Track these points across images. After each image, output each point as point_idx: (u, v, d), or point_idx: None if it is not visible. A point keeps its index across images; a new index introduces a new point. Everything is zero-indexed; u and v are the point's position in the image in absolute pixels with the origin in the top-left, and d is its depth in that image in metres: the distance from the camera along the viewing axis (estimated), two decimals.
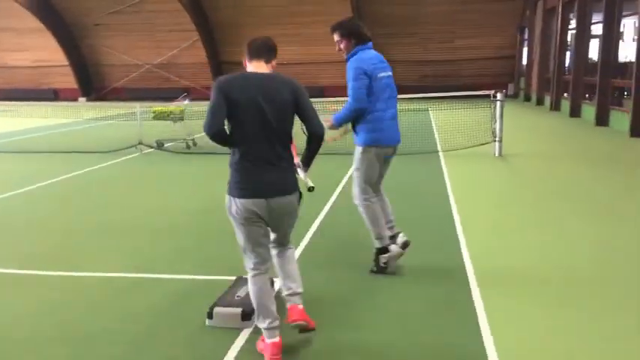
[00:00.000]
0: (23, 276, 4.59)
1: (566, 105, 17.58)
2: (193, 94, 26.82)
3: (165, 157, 10.77)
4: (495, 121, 9.86)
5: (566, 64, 18.68)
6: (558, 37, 18.39)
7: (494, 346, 3.25)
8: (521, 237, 5.39)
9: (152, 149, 11.37)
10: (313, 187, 3.39)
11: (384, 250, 4.36)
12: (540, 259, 4.77)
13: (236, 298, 3.75)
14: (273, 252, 3.40)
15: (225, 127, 3.09)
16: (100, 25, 28.10)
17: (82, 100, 28.86)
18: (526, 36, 24.68)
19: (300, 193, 3.25)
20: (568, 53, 18.62)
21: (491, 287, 4.11)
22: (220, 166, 9.98)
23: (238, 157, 3.07)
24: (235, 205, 3.07)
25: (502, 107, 9.86)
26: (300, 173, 3.35)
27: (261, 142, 3.04)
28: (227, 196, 3.11)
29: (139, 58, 29.23)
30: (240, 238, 3.18)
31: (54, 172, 9.03)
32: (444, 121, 14.22)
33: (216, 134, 3.02)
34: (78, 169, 9.40)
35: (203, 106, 15.87)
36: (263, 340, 3.20)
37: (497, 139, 9.85)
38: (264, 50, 3.17)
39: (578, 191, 7.31)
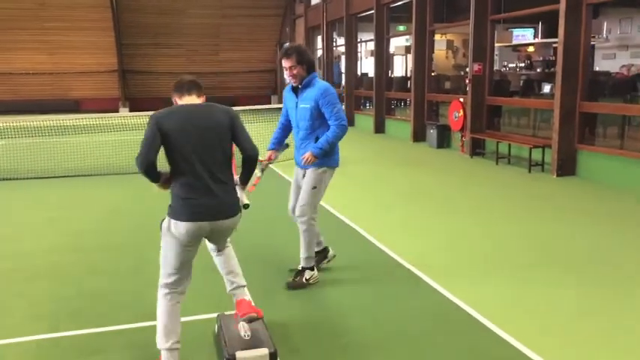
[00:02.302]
0: None
1: None
2: None
3: None
4: None
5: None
6: (324, 54, 20.05)
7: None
8: (415, 230, 5.87)
9: None
10: (248, 205, 3.47)
11: (311, 268, 4.54)
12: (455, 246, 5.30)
13: (246, 338, 3.34)
14: (212, 254, 3.52)
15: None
16: None
17: None
18: None
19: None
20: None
21: (436, 274, 4.44)
22: (27, 193, 8.48)
23: (181, 181, 3.11)
24: (177, 228, 3.08)
25: None
26: (238, 191, 3.40)
27: (202, 168, 3.10)
28: (167, 219, 3.13)
29: None
30: (167, 255, 3.17)
31: None
32: None
33: (149, 167, 3.03)
34: None
35: None
36: None
37: None
38: (194, 86, 3.29)
39: (424, 190, 8.18)
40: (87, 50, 24.21)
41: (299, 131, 4.40)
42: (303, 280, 4.47)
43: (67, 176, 9.55)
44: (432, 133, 12.70)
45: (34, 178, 9.44)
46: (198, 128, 3.10)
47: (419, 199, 7.65)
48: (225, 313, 3.67)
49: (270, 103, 25.21)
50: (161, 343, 3.14)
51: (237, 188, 3.40)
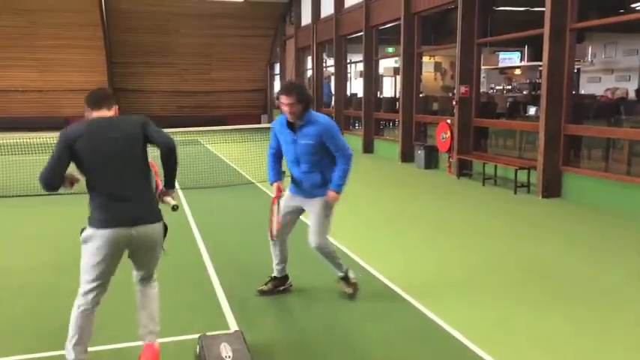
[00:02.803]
0: None
1: None
2: None
3: None
4: None
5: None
6: (314, 75, 20.21)
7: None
8: (400, 250, 5.89)
9: None
10: (177, 206, 3.43)
11: (347, 270, 4.68)
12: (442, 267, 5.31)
13: (227, 359, 3.33)
14: (137, 287, 3.45)
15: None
16: None
17: None
18: (277, 71, 26.43)
19: (166, 227, 3.36)
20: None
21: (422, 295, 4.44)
22: (10, 211, 8.34)
23: (96, 194, 3.15)
24: (96, 236, 3.10)
25: None
26: (166, 198, 3.42)
27: (116, 179, 3.14)
28: (88, 228, 3.14)
29: None
30: (86, 263, 3.16)
31: None
32: (231, 153, 14.45)
33: (48, 186, 3.09)
34: None
35: None
36: None
37: None
38: (103, 99, 3.31)
39: (412, 210, 8.22)
40: (77, 68, 24.22)
41: (300, 164, 4.43)
42: (352, 283, 4.62)
43: (53, 194, 9.49)
44: (419, 153, 12.79)
45: (21, 195, 9.38)
46: (108, 143, 3.12)
47: (405, 220, 7.69)
48: (207, 333, 3.66)
49: (259, 123, 25.34)
50: (69, 353, 3.20)
51: (165, 197, 3.41)
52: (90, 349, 3.67)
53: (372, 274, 5.28)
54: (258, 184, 10.29)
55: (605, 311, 4.41)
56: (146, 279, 3.43)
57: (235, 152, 14.20)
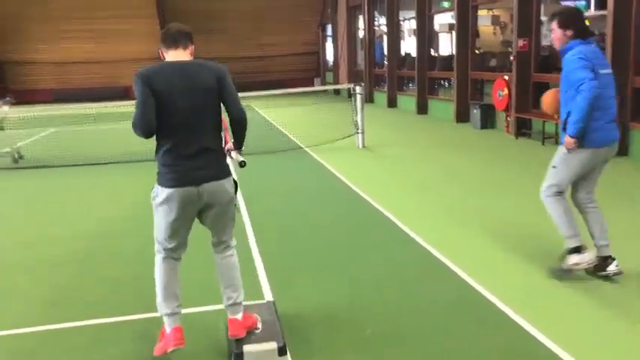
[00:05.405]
0: None
1: (380, 97, 18.86)
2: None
3: None
4: (357, 114, 10.12)
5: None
6: (366, 34, 19.63)
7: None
8: (449, 216, 5.61)
9: None
10: (245, 162, 3.26)
11: (577, 250, 3.99)
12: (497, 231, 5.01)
13: (256, 331, 3.22)
14: (215, 255, 3.25)
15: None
16: None
17: None
18: (329, 32, 25.91)
19: (236, 183, 3.18)
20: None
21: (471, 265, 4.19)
22: (66, 180, 8.57)
23: (164, 148, 2.97)
24: (164, 194, 2.96)
25: (363, 100, 10.17)
26: (232, 154, 3.29)
27: (186, 132, 2.95)
28: (156, 186, 3.02)
29: None
30: (159, 223, 3.06)
31: None
32: (282, 118, 14.35)
33: (152, 129, 2.91)
34: None
35: (25, 113, 13.41)
36: (163, 334, 3.13)
37: (359, 131, 10.13)
38: (180, 37, 3.04)
39: (463, 174, 7.85)
40: (132, 37, 24.61)
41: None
42: (564, 265, 4.03)
43: (115, 162, 9.63)
44: (475, 113, 12.22)
45: (82, 165, 9.55)
46: (184, 90, 2.90)
47: (455, 184, 7.32)
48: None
49: (312, 86, 25.05)
50: (162, 308, 3.09)
51: (232, 153, 3.27)
52: None
53: (414, 239, 5.05)
54: (306, 149, 10.12)
55: None
56: (222, 244, 3.20)
57: (285, 117, 14.06)
